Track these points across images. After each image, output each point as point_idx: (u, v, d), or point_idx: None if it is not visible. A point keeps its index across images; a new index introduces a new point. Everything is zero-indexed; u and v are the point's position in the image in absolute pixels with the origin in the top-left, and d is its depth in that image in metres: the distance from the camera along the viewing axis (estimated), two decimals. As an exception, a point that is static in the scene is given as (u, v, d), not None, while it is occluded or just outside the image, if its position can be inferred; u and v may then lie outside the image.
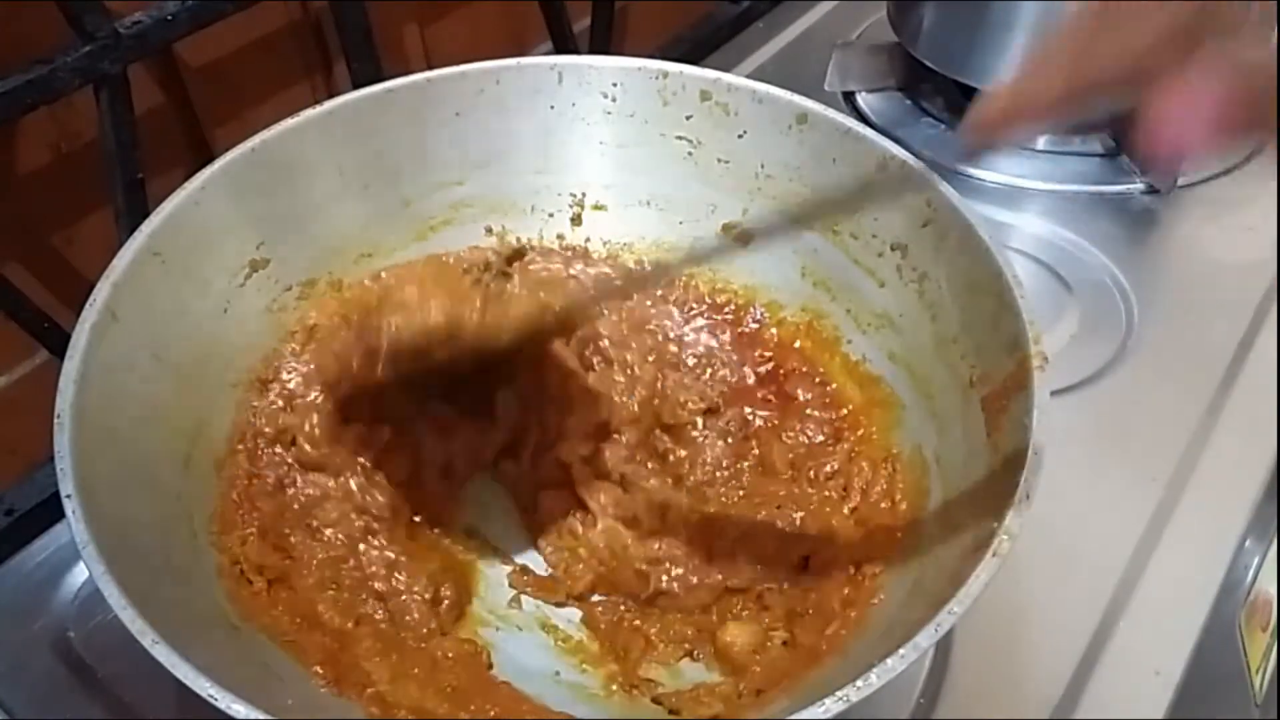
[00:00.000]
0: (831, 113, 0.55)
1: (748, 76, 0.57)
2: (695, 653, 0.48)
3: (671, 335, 0.60)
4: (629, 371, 0.55)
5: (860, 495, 0.51)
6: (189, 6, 0.55)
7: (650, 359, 0.57)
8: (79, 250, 0.59)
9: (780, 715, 0.34)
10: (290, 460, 0.51)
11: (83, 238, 0.59)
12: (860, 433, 0.54)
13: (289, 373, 0.54)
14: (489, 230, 0.61)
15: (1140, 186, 0.76)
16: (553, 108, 0.59)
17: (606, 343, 0.56)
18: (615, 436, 0.53)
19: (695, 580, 0.49)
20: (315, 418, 0.51)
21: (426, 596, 0.48)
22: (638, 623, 0.49)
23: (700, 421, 0.56)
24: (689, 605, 0.49)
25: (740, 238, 0.59)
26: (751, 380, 0.58)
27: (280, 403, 0.53)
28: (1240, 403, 0.61)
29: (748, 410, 0.57)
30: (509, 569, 0.52)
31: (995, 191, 0.76)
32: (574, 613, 0.50)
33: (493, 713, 0.44)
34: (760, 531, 0.50)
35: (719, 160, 0.59)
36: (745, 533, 0.50)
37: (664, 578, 0.49)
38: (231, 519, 0.48)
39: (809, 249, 0.57)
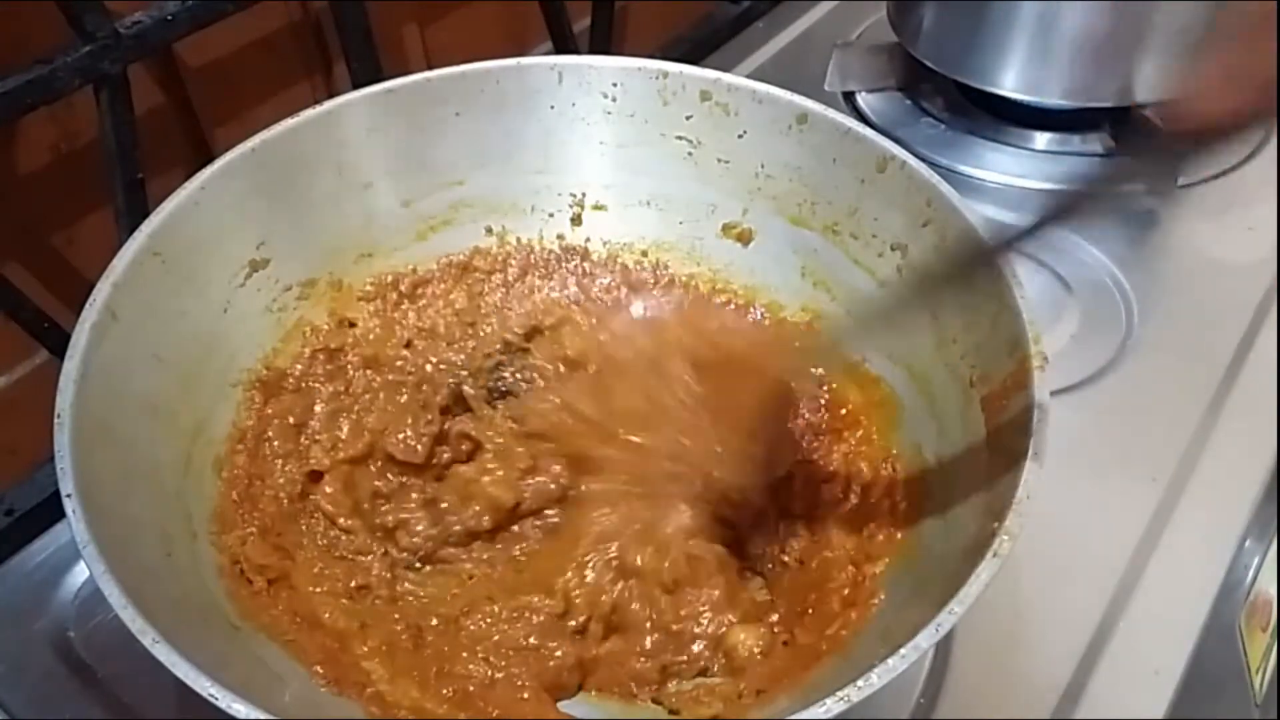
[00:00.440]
0: (831, 113, 0.55)
1: (748, 76, 0.57)
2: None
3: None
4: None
5: (860, 495, 0.51)
6: (189, 6, 0.55)
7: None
8: (79, 250, 0.59)
9: (780, 715, 0.34)
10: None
11: (83, 238, 0.59)
12: (860, 433, 0.53)
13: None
14: (489, 230, 0.61)
15: (1140, 186, 0.76)
16: (553, 108, 0.59)
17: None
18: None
19: None
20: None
21: None
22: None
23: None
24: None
25: (740, 238, 0.60)
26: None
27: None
28: (1240, 403, 0.61)
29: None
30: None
31: (995, 191, 0.76)
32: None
33: (494, 713, 0.44)
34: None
35: (719, 160, 0.59)
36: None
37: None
38: (231, 519, 0.48)
39: (809, 249, 0.57)
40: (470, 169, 0.59)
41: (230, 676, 0.34)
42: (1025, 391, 0.42)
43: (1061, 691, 0.49)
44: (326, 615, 0.47)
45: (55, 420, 0.40)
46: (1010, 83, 0.75)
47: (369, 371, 0.56)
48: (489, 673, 0.46)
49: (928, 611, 0.36)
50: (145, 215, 0.48)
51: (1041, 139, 0.79)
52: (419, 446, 0.53)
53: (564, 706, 0.46)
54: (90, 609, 0.53)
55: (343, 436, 0.53)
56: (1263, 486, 0.57)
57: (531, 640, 0.47)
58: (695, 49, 0.88)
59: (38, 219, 0.58)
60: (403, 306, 0.58)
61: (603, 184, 0.61)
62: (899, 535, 0.48)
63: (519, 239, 0.61)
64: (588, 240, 0.62)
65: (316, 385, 0.54)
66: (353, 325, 0.57)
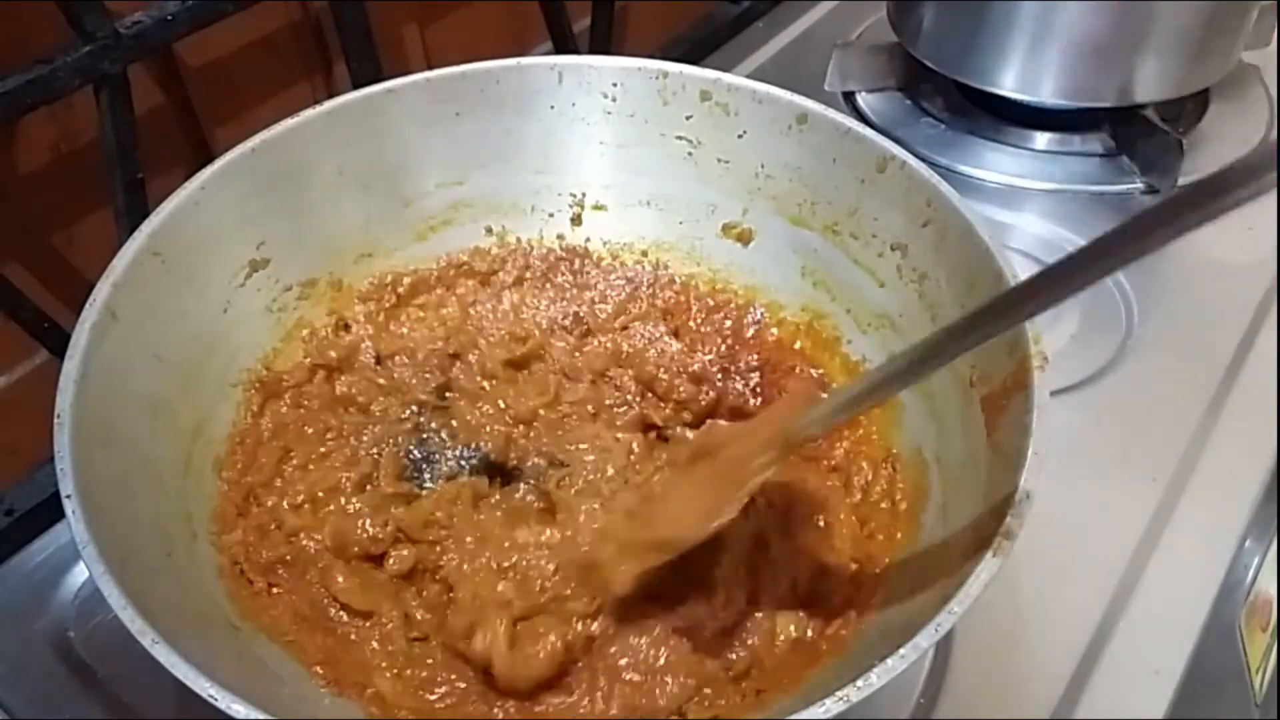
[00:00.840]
0: (831, 113, 0.55)
1: (748, 77, 0.57)
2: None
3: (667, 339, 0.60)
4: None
5: (860, 495, 0.51)
6: (189, 7, 0.55)
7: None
8: (79, 250, 0.59)
9: (780, 715, 0.34)
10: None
11: (83, 238, 0.59)
12: (860, 433, 0.53)
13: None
14: (489, 230, 0.61)
15: (1140, 186, 0.76)
16: (553, 108, 0.59)
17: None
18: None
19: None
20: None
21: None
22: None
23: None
24: None
25: (740, 238, 0.60)
26: (751, 381, 0.58)
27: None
28: (1240, 403, 0.61)
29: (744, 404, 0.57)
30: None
31: (995, 191, 0.76)
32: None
33: (496, 713, 0.44)
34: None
35: (719, 160, 0.59)
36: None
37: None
38: (231, 519, 0.48)
39: (809, 249, 0.57)
40: (470, 169, 0.59)
41: (230, 677, 0.34)
42: (1025, 391, 0.42)
43: (1061, 691, 0.49)
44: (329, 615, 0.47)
45: (55, 420, 0.40)
46: (1010, 83, 0.75)
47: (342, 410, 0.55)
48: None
49: (927, 611, 0.36)
50: (145, 215, 0.48)
51: (1041, 139, 0.79)
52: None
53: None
54: (90, 609, 0.53)
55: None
56: (1262, 486, 0.57)
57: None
58: (695, 49, 0.88)
59: (38, 219, 0.58)
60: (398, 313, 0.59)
61: (603, 184, 0.61)
62: (899, 535, 0.48)
63: (519, 239, 0.61)
64: (588, 240, 0.62)
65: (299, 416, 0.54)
66: (347, 328, 0.57)
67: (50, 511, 0.57)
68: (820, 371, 0.57)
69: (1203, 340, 0.65)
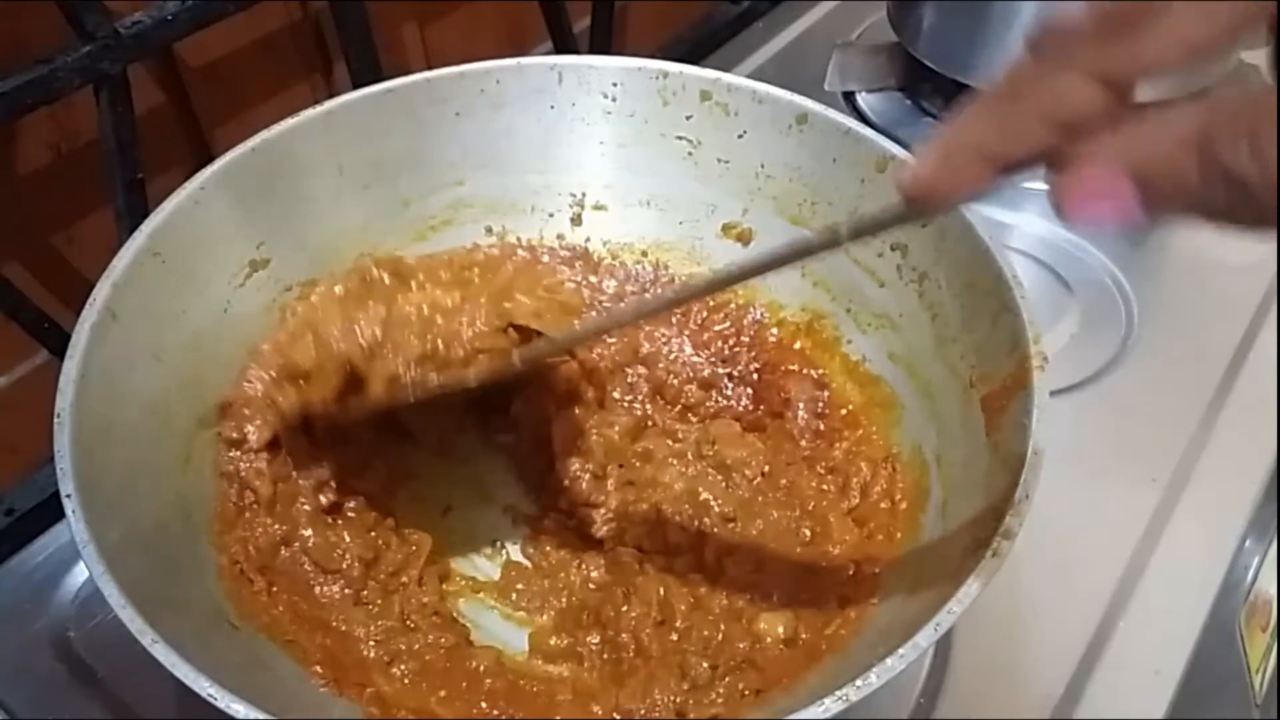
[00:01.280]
0: (831, 112, 0.55)
1: (748, 77, 0.57)
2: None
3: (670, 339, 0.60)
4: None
5: (860, 495, 0.51)
6: (189, 7, 0.55)
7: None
8: (79, 250, 0.59)
9: (780, 715, 0.34)
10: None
11: (83, 238, 0.59)
12: (860, 432, 0.54)
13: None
14: (489, 230, 0.61)
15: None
16: (552, 108, 0.59)
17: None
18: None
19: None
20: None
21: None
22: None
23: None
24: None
25: (740, 237, 0.60)
26: (751, 381, 0.58)
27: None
28: (1240, 403, 0.61)
29: (746, 409, 0.57)
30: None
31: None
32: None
33: (497, 713, 0.44)
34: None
35: (719, 160, 0.59)
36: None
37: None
38: (231, 519, 0.48)
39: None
40: (470, 169, 0.59)
41: (230, 677, 0.34)
42: (1025, 391, 0.42)
43: (1061, 691, 0.49)
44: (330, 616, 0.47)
45: (55, 420, 0.40)
46: (1010, 83, 0.75)
47: None
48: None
49: (927, 611, 0.36)
50: (145, 215, 0.48)
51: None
52: None
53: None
54: (90, 609, 0.53)
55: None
56: (1262, 486, 0.57)
57: None
58: (695, 49, 0.88)
59: (38, 219, 0.58)
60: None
61: (603, 184, 0.61)
62: (899, 535, 0.48)
63: (519, 239, 0.61)
64: (588, 240, 0.62)
65: None
66: None
67: (50, 511, 0.57)
68: (820, 372, 0.57)
69: (1203, 340, 0.65)
